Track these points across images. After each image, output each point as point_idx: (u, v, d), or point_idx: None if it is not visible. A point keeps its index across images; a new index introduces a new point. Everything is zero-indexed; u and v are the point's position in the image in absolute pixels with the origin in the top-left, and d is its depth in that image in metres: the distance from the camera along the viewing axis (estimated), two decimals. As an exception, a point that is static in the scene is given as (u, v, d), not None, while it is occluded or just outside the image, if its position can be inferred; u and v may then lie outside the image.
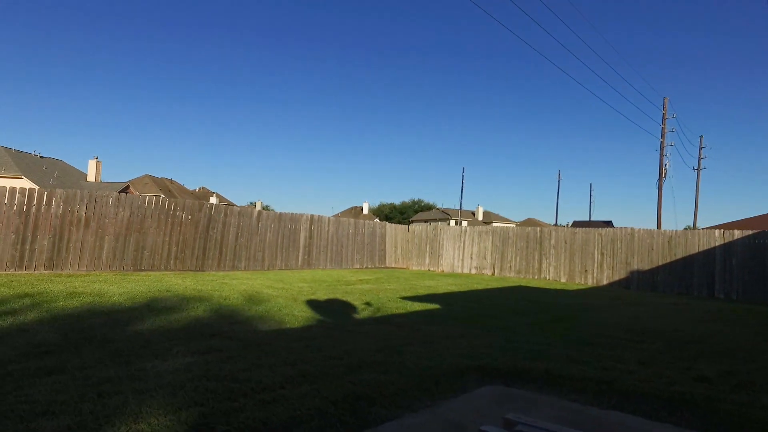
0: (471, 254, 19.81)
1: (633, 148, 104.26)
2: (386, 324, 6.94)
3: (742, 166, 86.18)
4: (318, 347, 5.16)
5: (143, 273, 11.76)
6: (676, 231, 14.58)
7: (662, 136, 33.72)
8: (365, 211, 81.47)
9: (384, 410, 3.46)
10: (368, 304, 8.98)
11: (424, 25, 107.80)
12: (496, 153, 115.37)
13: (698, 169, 40.07)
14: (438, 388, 4.04)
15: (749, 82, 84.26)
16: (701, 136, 48.62)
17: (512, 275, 18.22)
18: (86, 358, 4.29)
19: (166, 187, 53.21)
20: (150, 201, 12.52)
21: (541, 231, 17.93)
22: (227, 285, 10.34)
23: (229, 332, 5.72)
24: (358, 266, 19.23)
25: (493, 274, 18.86)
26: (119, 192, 13.90)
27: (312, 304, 8.55)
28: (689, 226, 45.72)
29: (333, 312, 7.89)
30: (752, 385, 4.46)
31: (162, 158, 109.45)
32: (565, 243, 16.83)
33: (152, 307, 7.14)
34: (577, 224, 38.08)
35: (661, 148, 33.26)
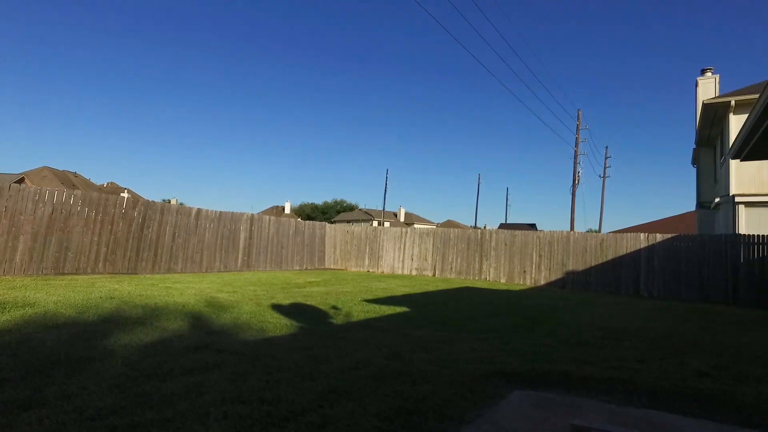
0: (412, 255, 19.91)
1: (552, 155, 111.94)
2: (370, 329, 6.64)
3: (640, 175, 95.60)
4: (323, 357, 4.76)
5: (68, 277, 10.35)
6: (607, 234, 15.68)
7: (576, 145, 36.28)
8: (287, 210, 79.53)
9: (440, 424, 3.22)
10: (336, 308, 8.59)
11: (339, 26, 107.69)
12: (418, 155, 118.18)
13: (604, 177, 43.82)
14: (473, 396, 3.86)
15: (649, 99, 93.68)
16: (606, 147, 53.24)
17: (453, 276, 18.57)
18: (64, 385, 3.57)
19: (69, 180, 47.96)
20: (78, 196, 11.07)
21: (482, 233, 18.46)
22: (174, 290, 9.41)
23: (214, 344, 5.11)
24: (298, 267, 18.56)
25: (434, 275, 19.10)
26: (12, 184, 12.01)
27: (279, 309, 7.99)
28: (591, 229, 49.88)
29: (306, 317, 7.42)
30: (748, 377, 4.77)
31: (62, 150, 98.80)
32: (505, 245, 17.47)
33: (106, 317, 6.23)
34: (503, 227, 39.90)
35: (575, 157, 35.77)
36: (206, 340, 5.33)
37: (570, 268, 15.96)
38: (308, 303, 8.99)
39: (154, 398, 3.35)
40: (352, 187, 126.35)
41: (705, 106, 15.62)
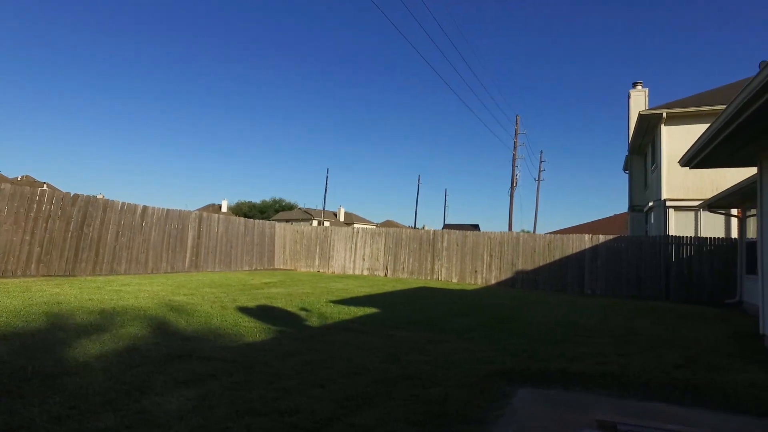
0: (363, 256, 19.81)
1: (492, 158, 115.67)
2: (351, 331, 6.48)
3: (573, 179, 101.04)
4: (319, 362, 4.56)
5: (-4, 281, 9.27)
6: (554, 235, 16.41)
7: (514, 149, 37.70)
8: (224, 209, 76.68)
9: (467, 426, 3.18)
10: (305, 309, 8.32)
11: (276, 19, 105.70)
12: (358, 156, 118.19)
13: (538, 180, 45.87)
14: (486, 396, 3.86)
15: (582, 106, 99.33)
16: (541, 152, 55.86)
17: (405, 276, 18.67)
18: (47, 405, 3.15)
19: (-25, 173, 43.25)
20: (6, 191, 9.94)
21: (434, 234, 18.71)
22: (125, 293, 8.71)
23: (197, 351, 4.75)
24: (248, 268, 17.88)
25: (386, 275, 19.11)
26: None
27: (248, 312, 7.61)
28: (524, 230, 52.35)
29: (280, 320, 7.11)
30: (718, 368, 5.12)
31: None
32: (457, 245, 17.82)
33: (60, 325, 5.62)
34: (447, 227, 40.64)
35: (513, 160, 37.12)
36: (186, 347, 4.95)
37: (520, 267, 16.56)
38: (275, 305, 8.64)
39: (160, 416, 3.03)
40: (290, 185, 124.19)
41: (640, 116, 16.77)
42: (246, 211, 77.68)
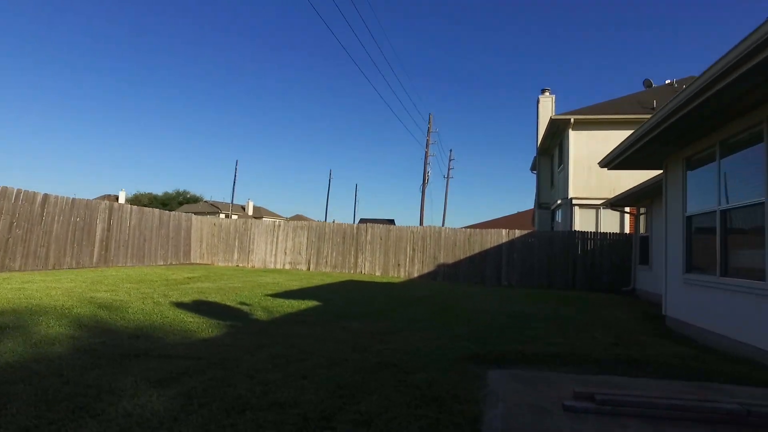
0: (285, 249, 19.37)
1: (404, 154, 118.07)
2: (304, 324, 6.36)
3: (482, 177, 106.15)
4: (289, 355, 4.45)
5: None
6: (474, 230, 17.28)
7: (426, 146, 38.95)
8: (121, 200, 70.52)
9: (463, 405, 3.30)
10: (245, 303, 8.01)
11: (175, 2, 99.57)
12: (267, 149, 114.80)
13: (447, 178, 47.72)
14: (465, 378, 4.02)
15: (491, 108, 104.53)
16: (450, 150, 58.04)
17: (329, 270, 18.58)
18: (7, 417, 2.75)
19: None
20: None
21: (357, 228, 18.79)
22: (31, 291, 7.76)
23: (153, 350, 4.40)
24: (163, 263, 16.67)
25: (309, 269, 18.88)
26: None
27: (187, 307, 7.14)
28: (432, 225, 54.43)
29: (225, 315, 6.76)
30: (644, 344, 5.78)
31: None
32: (380, 239, 18.08)
33: (-25, 326, 4.88)
34: (364, 221, 40.98)
35: (425, 158, 38.37)
36: (137, 345, 4.55)
37: (441, 261, 17.22)
38: (211, 300, 8.20)
39: (150, 419, 2.78)
40: (195, 178, 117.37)
41: (551, 120, 18.21)
42: (146, 203, 71.97)
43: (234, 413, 2.89)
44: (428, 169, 38.65)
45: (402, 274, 17.62)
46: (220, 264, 19.38)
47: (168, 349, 4.46)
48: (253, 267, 19.05)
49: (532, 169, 29.00)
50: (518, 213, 35.48)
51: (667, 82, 21.72)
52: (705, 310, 6.31)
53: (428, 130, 39.80)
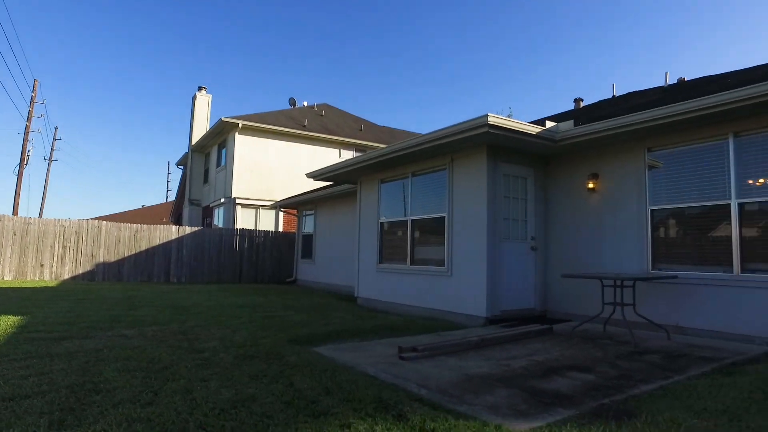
0: None
1: None
2: (65, 340, 5.45)
3: (107, 167, 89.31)
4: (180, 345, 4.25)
5: None
6: (141, 225, 16.03)
7: (28, 119, 32.54)
8: None
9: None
10: None
11: None
12: None
13: (50, 160, 39.62)
14: (305, 351, 5.03)
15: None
16: (56, 128, 48.41)
17: None
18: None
19: None
20: None
21: (-30, 219, 14.18)
22: None
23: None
24: None
25: None
26: None
27: None
28: (22, 216, 44.42)
29: None
30: (362, 317, 8.01)
31: None
32: (15, 234, 14.31)
33: None
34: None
35: (26, 133, 31.94)
36: None
37: (101, 259, 15.32)
38: None
39: (153, 418, 2.71)
40: None
41: (222, 121, 19.09)
42: None
43: (239, 405, 3.11)
44: (30, 147, 31.91)
45: (47, 276, 14.63)
46: None
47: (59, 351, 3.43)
48: None
49: (179, 164, 28.63)
50: (157, 205, 33.68)
51: (305, 104, 26.20)
52: (393, 289, 9.20)
53: (32, 99, 32.94)
